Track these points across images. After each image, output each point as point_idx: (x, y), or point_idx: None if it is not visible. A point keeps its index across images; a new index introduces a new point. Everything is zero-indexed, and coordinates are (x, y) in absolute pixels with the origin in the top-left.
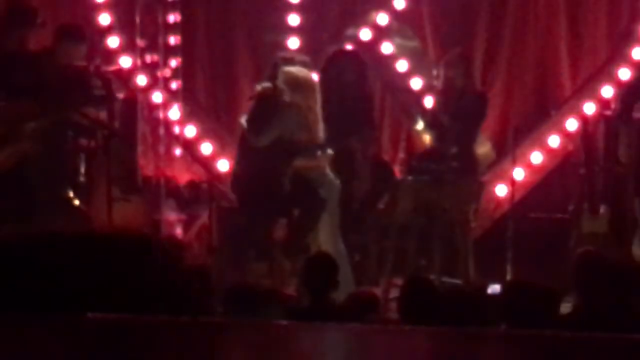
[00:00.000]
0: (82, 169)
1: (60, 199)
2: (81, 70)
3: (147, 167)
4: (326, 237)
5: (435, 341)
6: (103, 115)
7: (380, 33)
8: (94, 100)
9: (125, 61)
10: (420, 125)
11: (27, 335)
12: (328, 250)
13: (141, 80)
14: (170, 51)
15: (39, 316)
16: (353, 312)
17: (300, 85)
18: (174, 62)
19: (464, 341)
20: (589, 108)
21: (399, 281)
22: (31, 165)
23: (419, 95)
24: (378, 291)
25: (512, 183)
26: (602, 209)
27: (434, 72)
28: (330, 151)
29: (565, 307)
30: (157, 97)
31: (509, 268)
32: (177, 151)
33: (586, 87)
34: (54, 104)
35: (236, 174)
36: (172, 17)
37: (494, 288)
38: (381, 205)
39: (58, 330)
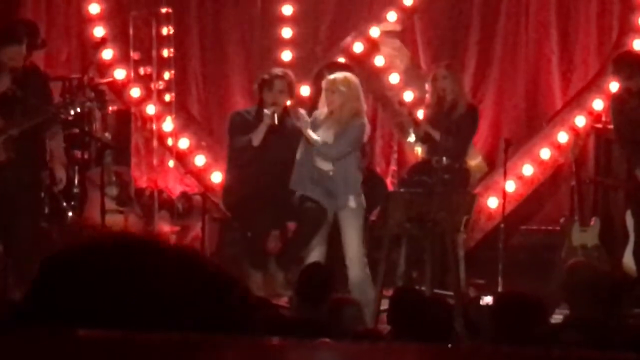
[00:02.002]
0: (76, 181)
1: (40, 208)
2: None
3: (140, 178)
4: (353, 261)
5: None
6: (97, 127)
7: (373, 46)
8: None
9: (119, 73)
10: (412, 137)
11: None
12: (355, 274)
13: (135, 92)
14: (163, 64)
15: (21, 333)
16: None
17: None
18: (167, 75)
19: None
20: (580, 121)
21: (390, 292)
22: (8, 174)
23: (410, 108)
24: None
25: (504, 195)
26: (593, 221)
27: (426, 85)
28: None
29: (556, 319)
30: (150, 109)
31: (500, 280)
32: (171, 163)
33: (577, 100)
34: (20, 113)
35: (228, 187)
36: (166, 30)
37: (486, 300)
38: (373, 217)
39: (42, 349)
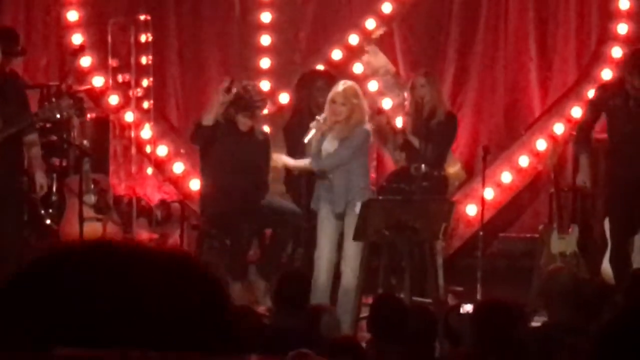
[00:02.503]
0: (54, 188)
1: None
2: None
3: (118, 186)
4: (351, 268)
5: None
6: (75, 134)
7: (352, 53)
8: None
9: (98, 81)
10: (390, 145)
11: None
12: (349, 281)
13: (113, 99)
14: (142, 71)
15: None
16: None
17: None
18: (145, 82)
19: None
20: (559, 128)
21: (369, 300)
22: None
23: (389, 116)
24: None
25: (482, 202)
26: (572, 229)
27: (405, 93)
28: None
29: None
30: (129, 116)
31: (479, 287)
32: (149, 170)
33: (555, 108)
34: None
35: (204, 194)
36: (144, 37)
37: (466, 308)
38: None
39: None
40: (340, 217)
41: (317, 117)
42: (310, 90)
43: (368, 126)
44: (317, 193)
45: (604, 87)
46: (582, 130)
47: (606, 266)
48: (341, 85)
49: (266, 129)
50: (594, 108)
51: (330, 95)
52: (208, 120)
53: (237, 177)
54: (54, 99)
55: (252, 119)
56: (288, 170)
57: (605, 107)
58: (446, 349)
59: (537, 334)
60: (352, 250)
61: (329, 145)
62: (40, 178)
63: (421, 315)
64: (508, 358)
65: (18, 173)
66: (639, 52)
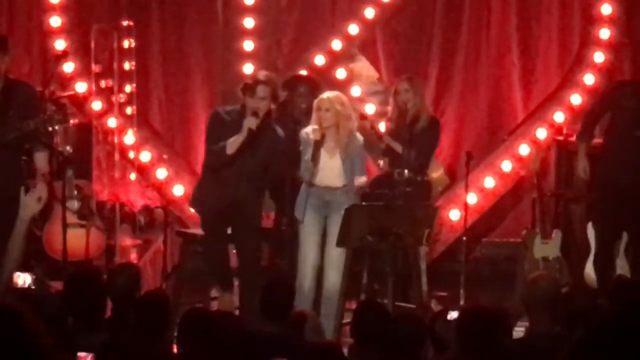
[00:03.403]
0: None
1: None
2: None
3: (102, 192)
4: (336, 270)
5: None
6: (58, 140)
7: (335, 59)
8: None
9: (81, 86)
10: (374, 150)
11: None
12: (333, 282)
13: (96, 105)
14: (125, 76)
15: None
16: None
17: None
18: (128, 88)
19: None
20: (541, 133)
21: (353, 305)
22: None
23: (372, 121)
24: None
25: (465, 208)
26: (554, 233)
27: (388, 98)
28: None
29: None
30: (112, 122)
31: (462, 292)
32: (132, 176)
33: (538, 113)
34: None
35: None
36: (127, 43)
37: (453, 314)
38: None
39: None
40: (324, 222)
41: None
42: (292, 96)
43: (360, 137)
44: (300, 200)
45: (621, 85)
46: (587, 122)
47: (589, 271)
48: (326, 93)
49: None
50: (604, 104)
51: (315, 103)
52: (231, 150)
53: (231, 180)
54: (45, 115)
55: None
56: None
57: (618, 106)
58: (431, 355)
59: (521, 341)
60: (336, 255)
61: (331, 162)
62: (42, 191)
63: (407, 320)
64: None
65: (16, 182)
66: None
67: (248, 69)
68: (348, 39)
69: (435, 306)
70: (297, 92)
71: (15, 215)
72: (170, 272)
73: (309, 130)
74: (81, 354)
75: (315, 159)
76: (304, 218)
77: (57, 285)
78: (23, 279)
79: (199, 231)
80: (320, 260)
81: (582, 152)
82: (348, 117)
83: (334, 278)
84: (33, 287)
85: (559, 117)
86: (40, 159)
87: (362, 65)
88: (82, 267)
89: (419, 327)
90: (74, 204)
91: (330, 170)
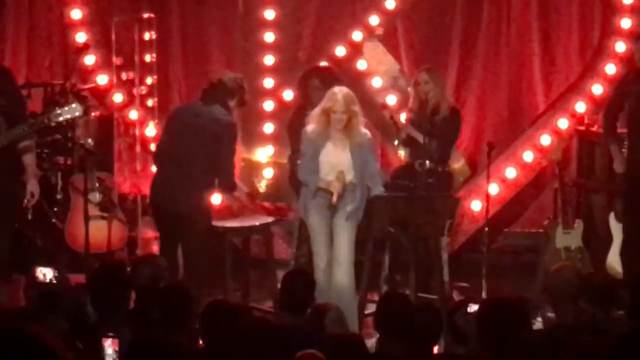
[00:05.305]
0: (59, 187)
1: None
2: None
3: (123, 184)
4: (343, 266)
5: None
6: (79, 133)
7: (355, 50)
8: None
9: (102, 79)
10: (395, 141)
11: None
12: (342, 279)
13: (117, 97)
14: (146, 69)
15: None
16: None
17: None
18: (149, 80)
19: None
20: (563, 123)
21: (375, 296)
22: None
23: (393, 112)
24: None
25: (487, 198)
26: (576, 223)
27: (409, 89)
28: None
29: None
30: (133, 114)
31: (484, 282)
32: (153, 168)
33: (559, 103)
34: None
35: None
36: (148, 35)
37: (474, 307)
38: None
39: None
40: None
41: (309, 130)
42: (307, 88)
43: (366, 130)
44: (302, 200)
45: (627, 73)
46: (607, 120)
47: (611, 261)
48: (339, 94)
49: (271, 126)
50: (617, 97)
51: (328, 105)
52: None
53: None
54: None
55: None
56: (293, 167)
57: (628, 94)
58: (450, 345)
59: (543, 333)
60: (346, 247)
61: (341, 157)
62: (32, 186)
63: (426, 311)
64: (514, 357)
65: (14, 179)
66: None
67: (269, 60)
68: (369, 30)
69: (457, 297)
70: (310, 86)
71: (9, 210)
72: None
73: (311, 129)
74: (106, 340)
75: (313, 160)
76: (310, 218)
77: (79, 278)
78: (44, 274)
79: (217, 223)
80: (330, 255)
81: (615, 150)
82: (358, 113)
83: (341, 276)
84: (54, 281)
85: (580, 107)
86: (30, 155)
87: (376, 51)
88: (106, 261)
89: (436, 317)
90: (96, 196)
91: (340, 163)
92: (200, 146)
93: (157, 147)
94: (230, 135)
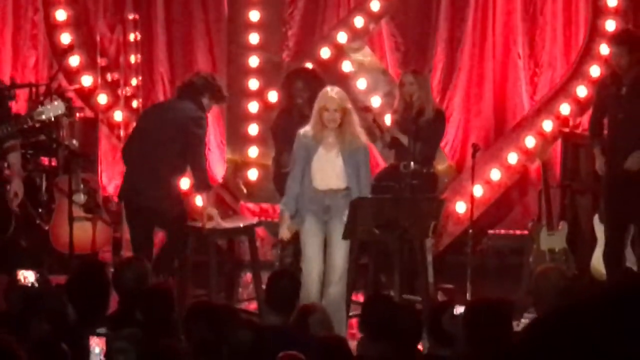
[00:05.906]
0: (43, 188)
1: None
2: None
3: (108, 185)
4: (338, 276)
5: None
6: (64, 134)
7: (340, 51)
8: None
9: (87, 80)
10: (379, 143)
11: None
12: (337, 290)
13: (102, 99)
14: (131, 70)
15: None
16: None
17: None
18: (134, 81)
19: None
20: (547, 125)
21: (359, 297)
22: None
23: (377, 113)
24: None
25: (472, 200)
26: (561, 225)
27: (394, 91)
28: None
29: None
30: (118, 115)
31: (468, 284)
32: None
33: (544, 104)
34: None
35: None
36: (133, 36)
37: (460, 309)
38: None
39: None
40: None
41: (303, 133)
42: (290, 90)
43: (364, 138)
44: (299, 206)
45: (604, 77)
46: (592, 124)
47: (595, 263)
48: (331, 92)
49: (256, 127)
50: (596, 100)
51: (321, 104)
52: None
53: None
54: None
55: None
56: (277, 169)
57: (605, 97)
58: (434, 347)
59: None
60: (341, 256)
61: (334, 162)
62: (16, 186)
63: (405, 313)
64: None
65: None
66: (624, 32)
67: (254, 61)
68: (354, 32)
69: (441, 298)
70: (294, 87)
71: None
72: (177, 266)
73: (305, 132)
74: (94, 338)
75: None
76: (304, 224)
77: (63, 279)
78: (26, 277)
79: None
80: (324, 266)
81: (597, 152)
82: (352, 112)
83: (336, 289)
84: (36, 284)
85: (565, 109)
86: (15, 155)
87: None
88: (86, 260)
89: (416, 318)
90: (80, 198)
91: (331, 169)
92: (167, 138)
93: (126, 143)
94: (196, 126)
